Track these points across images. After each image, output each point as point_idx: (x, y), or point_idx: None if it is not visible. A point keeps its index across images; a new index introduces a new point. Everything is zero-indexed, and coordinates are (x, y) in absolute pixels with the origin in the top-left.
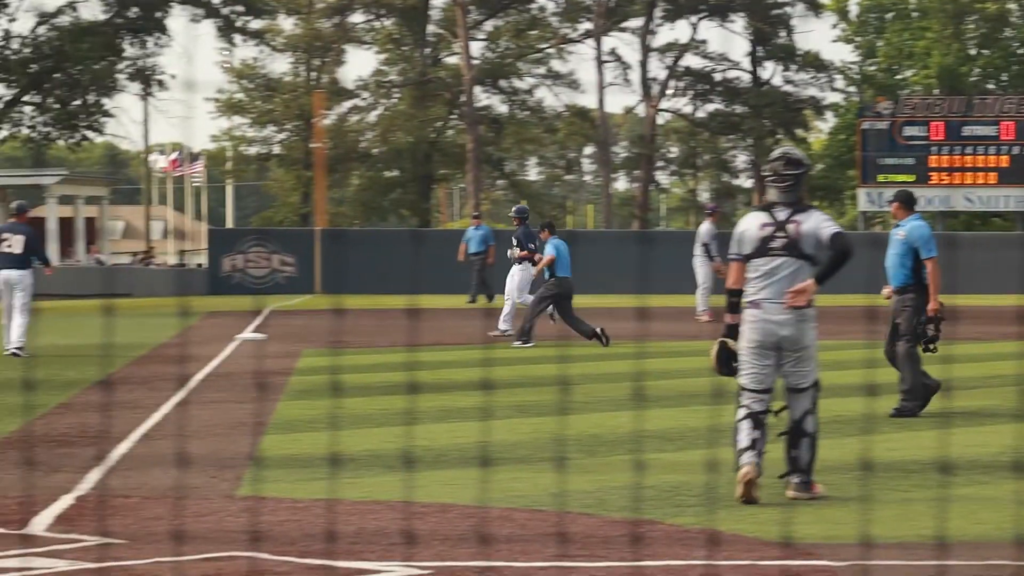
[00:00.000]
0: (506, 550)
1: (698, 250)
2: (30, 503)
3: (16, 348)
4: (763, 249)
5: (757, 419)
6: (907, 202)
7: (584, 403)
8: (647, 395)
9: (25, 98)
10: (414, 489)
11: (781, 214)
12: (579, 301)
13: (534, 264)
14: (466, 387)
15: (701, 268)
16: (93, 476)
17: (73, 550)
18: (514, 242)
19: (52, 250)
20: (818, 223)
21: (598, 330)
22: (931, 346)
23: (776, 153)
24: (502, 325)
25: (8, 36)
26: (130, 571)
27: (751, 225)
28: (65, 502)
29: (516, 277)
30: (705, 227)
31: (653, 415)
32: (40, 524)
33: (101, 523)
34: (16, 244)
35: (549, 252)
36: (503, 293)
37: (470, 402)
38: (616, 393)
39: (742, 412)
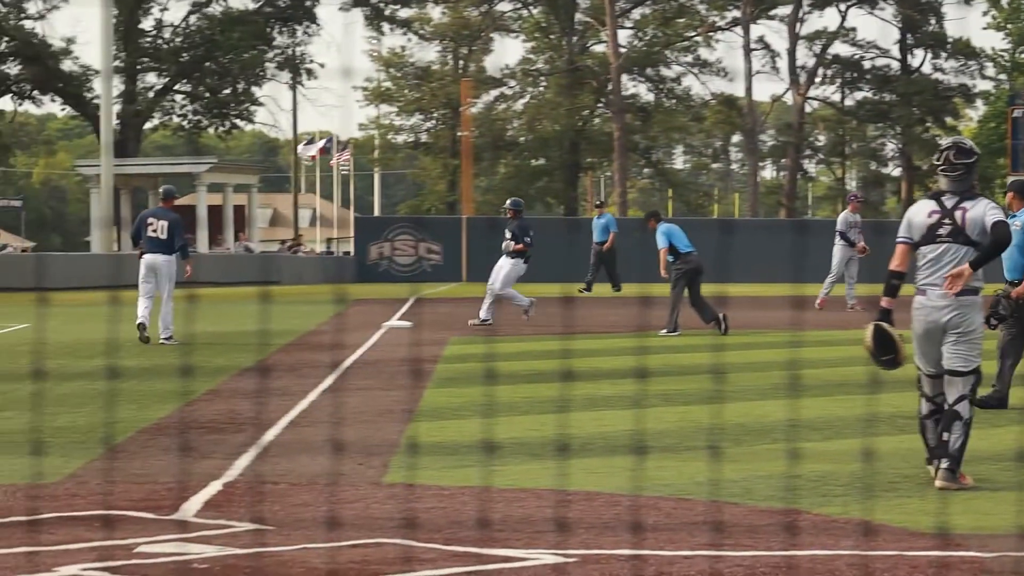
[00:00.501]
0: (652, 538)
1: (837, 237)
2: (181, 489)
3: (163, 334)
4: (930, 236)
5: (938, 413)
6: (1022, 192)
7: (731, 392)
8: (796, 384)
9: (176, 87)
10: (561, 477)
11: (949, 202)
12: (733, 290)
13: (526, 260)
14: (612, 375)
15: (836, 256)
16: (242, 462)
17: (223, 536)
18: (507, 235)
19: (202, 237)
20: (984, 210)
21: (720, 316)
22: (993, 322)
23: (947, 142)
24: (483, 315)
25: (160, 26)
26: (279, 557)
27: (920, 212)
28: (215, 488)
29: (505, 269)
30: (843, 215)
31: (800, 404)
32: (190, 510)
33: (250, 509)
34: (162, 229)
35: (660, 241)
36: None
37: (616, 390)
38: (763, 382)
39: (923, 406)
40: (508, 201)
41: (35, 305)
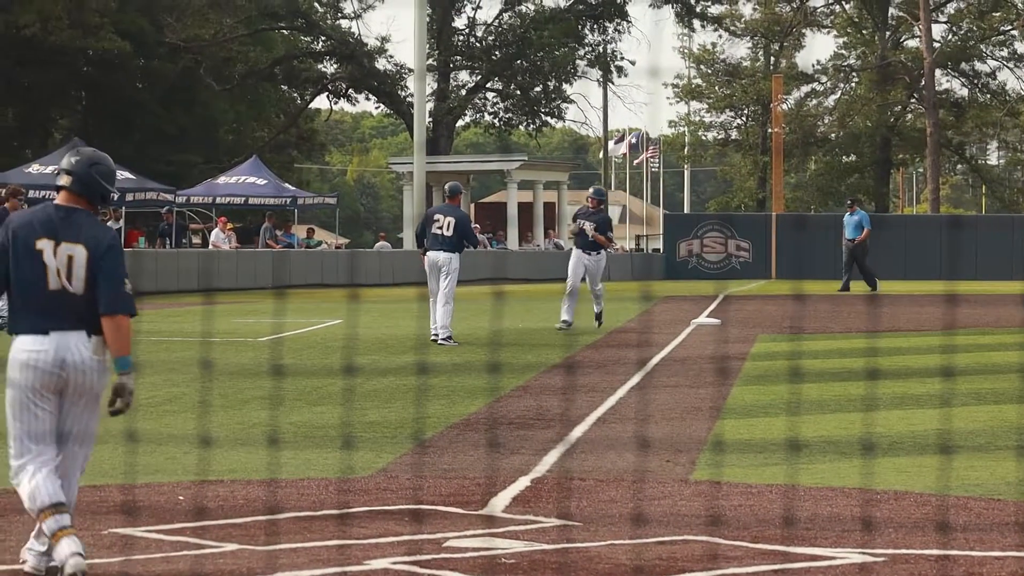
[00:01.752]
0: (962, 539)
1: None
2: (489, 484)
3: (440, 335)
4: None
5: None
6: None
7: None
8: None
9: (488, 84)
10: (869, 476)
11: None
12: None
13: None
14: (922, 374)
15: None
16: (550, 458)
17: (531, 531)
18: (587, 226)
19: (511, 235)
20: None
21: None
22: None
23: None
24: (565, 316)
25: (473, 24)
26: (586, 553)
27: None
28: (523, 483)
29: (593, 266)
30: None
31: None
32: (499, 505)
33: (558, 505)
34: (447, 226)
35: None
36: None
37: (926, 389)
38: None
39: None
40: (591, 190)
41: (348, 301)
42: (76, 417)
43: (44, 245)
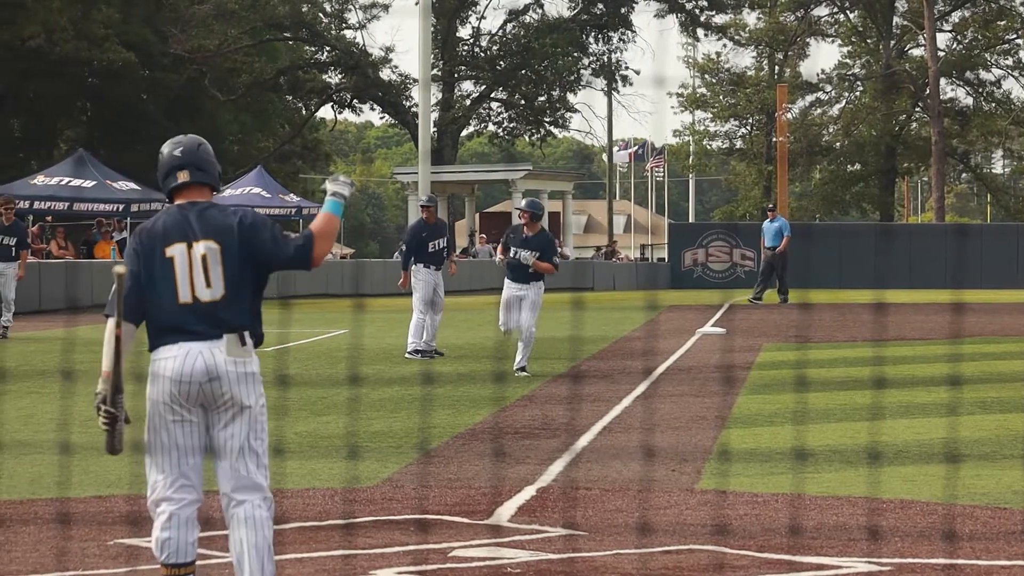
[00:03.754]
0: (968, 548)
1: None
2: (495, 493)
3: (412, 351)
4: None
5: None
6: None
7: None
8: None
9: (492, 94)
10: (875, 484)
11: None
12: None
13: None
14: (928, 382)
15: None
16: (556, 468)
17: (536, 540)
18: (523, 253)
19: None
20: None
21: None
22: None
23: None
24: (524, 362)
25: (477, 34)
26: (591, 562)
27: None
28: (528, 493)
29: (531, 300)
30: None
31: None
32: (504, 514)
33: (563, 514)
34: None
35: None
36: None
37: (932, 398)
38: None
39: None
40: (524, 202)
41: (353, 311)
42: (225, 434)
43: (175, 251)
